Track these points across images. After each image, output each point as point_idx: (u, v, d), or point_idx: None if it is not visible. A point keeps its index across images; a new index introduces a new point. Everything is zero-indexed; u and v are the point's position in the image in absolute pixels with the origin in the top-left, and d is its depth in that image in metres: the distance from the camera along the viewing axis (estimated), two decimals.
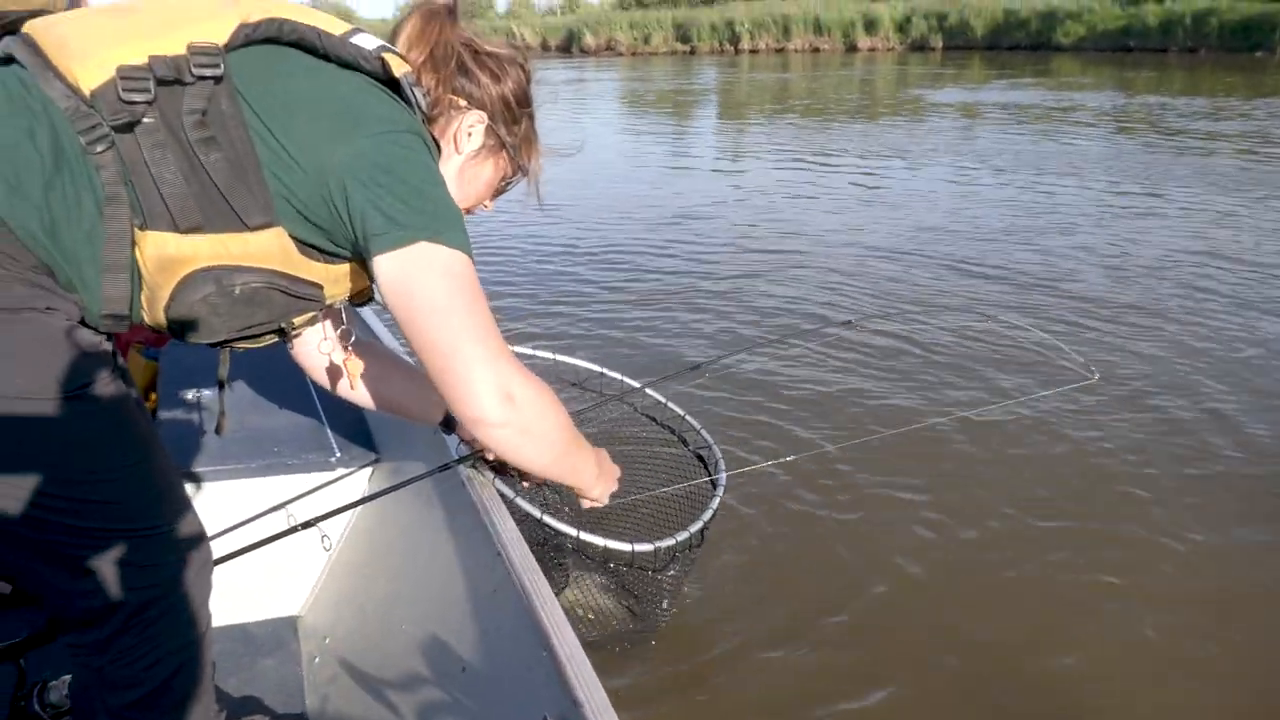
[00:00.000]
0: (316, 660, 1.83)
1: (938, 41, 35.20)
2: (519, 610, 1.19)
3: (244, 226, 1.02)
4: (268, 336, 1.18)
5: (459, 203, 1.14)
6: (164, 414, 2.07)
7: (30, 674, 1.43)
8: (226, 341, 1.15)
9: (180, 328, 1.08)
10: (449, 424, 1.61)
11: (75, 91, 0.94)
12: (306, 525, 1.83)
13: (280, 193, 1.03)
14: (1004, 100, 15.36)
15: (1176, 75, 19.87)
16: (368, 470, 1.98)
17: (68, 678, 1.44)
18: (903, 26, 36.41)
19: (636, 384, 2.30)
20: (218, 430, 1.47)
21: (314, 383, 2.10)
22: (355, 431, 2.07)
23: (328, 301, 1.16)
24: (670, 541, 1.92)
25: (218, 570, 1.67)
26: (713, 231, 6.52)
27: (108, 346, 1.07)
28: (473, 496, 1.49)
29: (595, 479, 1.39)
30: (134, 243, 0.99)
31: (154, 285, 1.02)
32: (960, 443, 3.25)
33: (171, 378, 2.27)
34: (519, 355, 2.24)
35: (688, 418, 2.36)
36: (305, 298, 1.12)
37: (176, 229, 0.99)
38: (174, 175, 0.97)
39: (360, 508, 1.93)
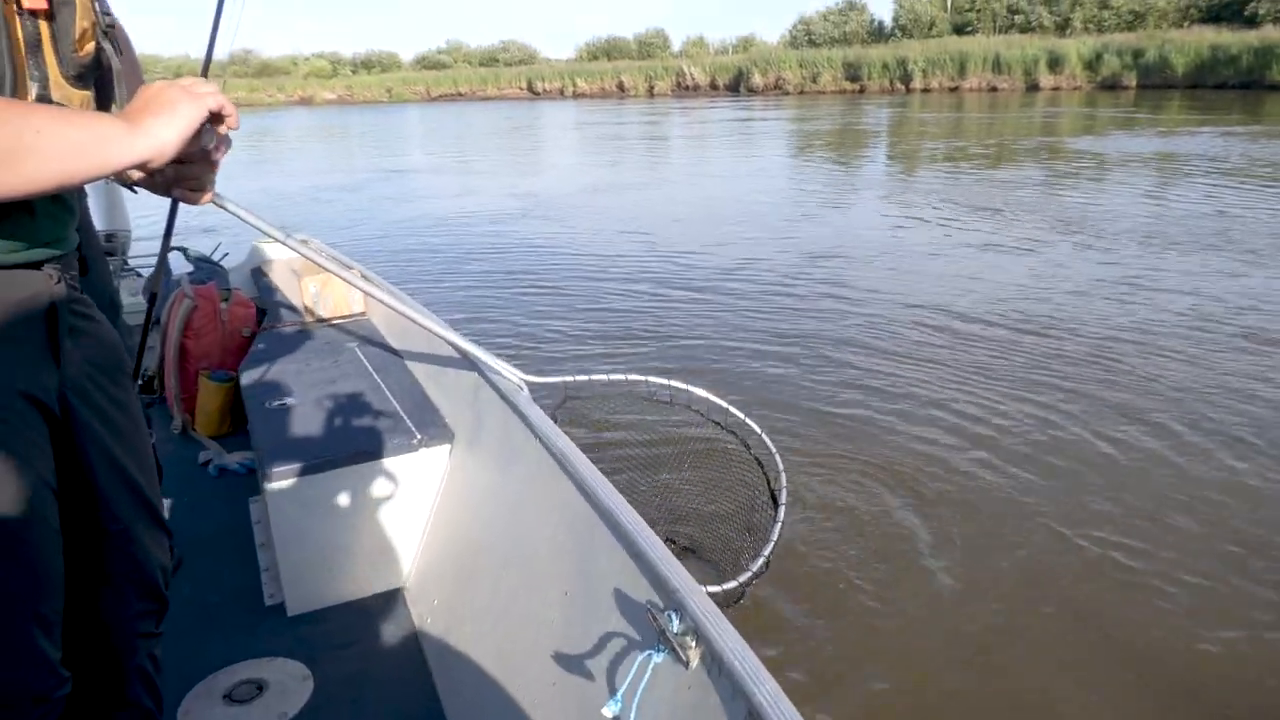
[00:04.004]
0: (428, 621, 1.99)
1: (1131, 80, 32.98)
2: (606, 531, 1.35)
3: None
4: None
5: None
6: (254, 427, 2.26)
7: None
8: None
9: None
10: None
11: None
12: (400, 503, 2.13)
13: None
14: (1206, 150, 14.06)
15: None
16: (446, 447, 2.16)
17: None
18: (1092, 64, 34.36)
19: (711, 396, 2.57)
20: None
21: (383, 375, 2.44)
22: (431, 416, 2.23)
23: None
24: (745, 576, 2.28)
25: (332, 555, 2.11)
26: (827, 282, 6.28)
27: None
28: (549, 448, 1.64)
29: (126, 130, 0.95)
30: None
31: None
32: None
33: (251, 394, 2.44)
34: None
35: (749, 420, 2.69)
36: None
37: None
38: None
39: (447, 480, 2.15)
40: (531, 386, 2.14)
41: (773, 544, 2.46)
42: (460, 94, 59.35)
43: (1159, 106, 24.27)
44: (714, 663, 1.04)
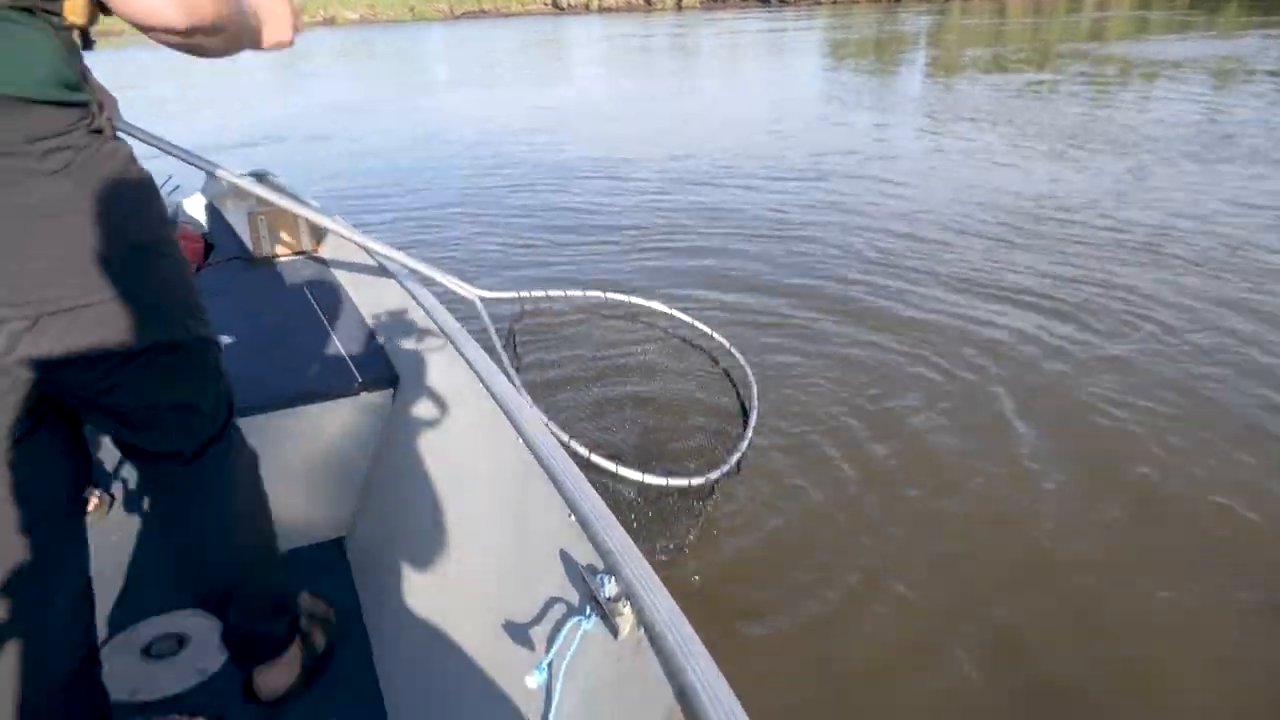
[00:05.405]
0: (365, 574, 1.89)
1: None
2: (546, 486, 1.29)
3: None
4: None
5: None
6: None
7: None
8: None
9: None
10: None
11: None
12: (339, 450, 2.02)
13: None
14: (1266, 54, 13.31)
15: None
16: (390, 391, 2.03)
17: None
18: None
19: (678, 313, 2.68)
20: None
21: (329, 315, 2.31)
22: (374, 357, 2.10)
23: None
24: (700, 479, 2.26)
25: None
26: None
27: None
28: (494, 394, 1.57)
29: (291, 19, 1.24)
30: None
31: None
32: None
33: None
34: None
35: (715, 334, 2.73)
36: None
37: None
38: None
39: (388, 426, 2.02)
40: (486, 302, 2.04)
41: (742, 451, 2.47)
42: (484, 11, 57.81)
43: (1215, 9, 23.01)
44: (646, 632, 0.98)
